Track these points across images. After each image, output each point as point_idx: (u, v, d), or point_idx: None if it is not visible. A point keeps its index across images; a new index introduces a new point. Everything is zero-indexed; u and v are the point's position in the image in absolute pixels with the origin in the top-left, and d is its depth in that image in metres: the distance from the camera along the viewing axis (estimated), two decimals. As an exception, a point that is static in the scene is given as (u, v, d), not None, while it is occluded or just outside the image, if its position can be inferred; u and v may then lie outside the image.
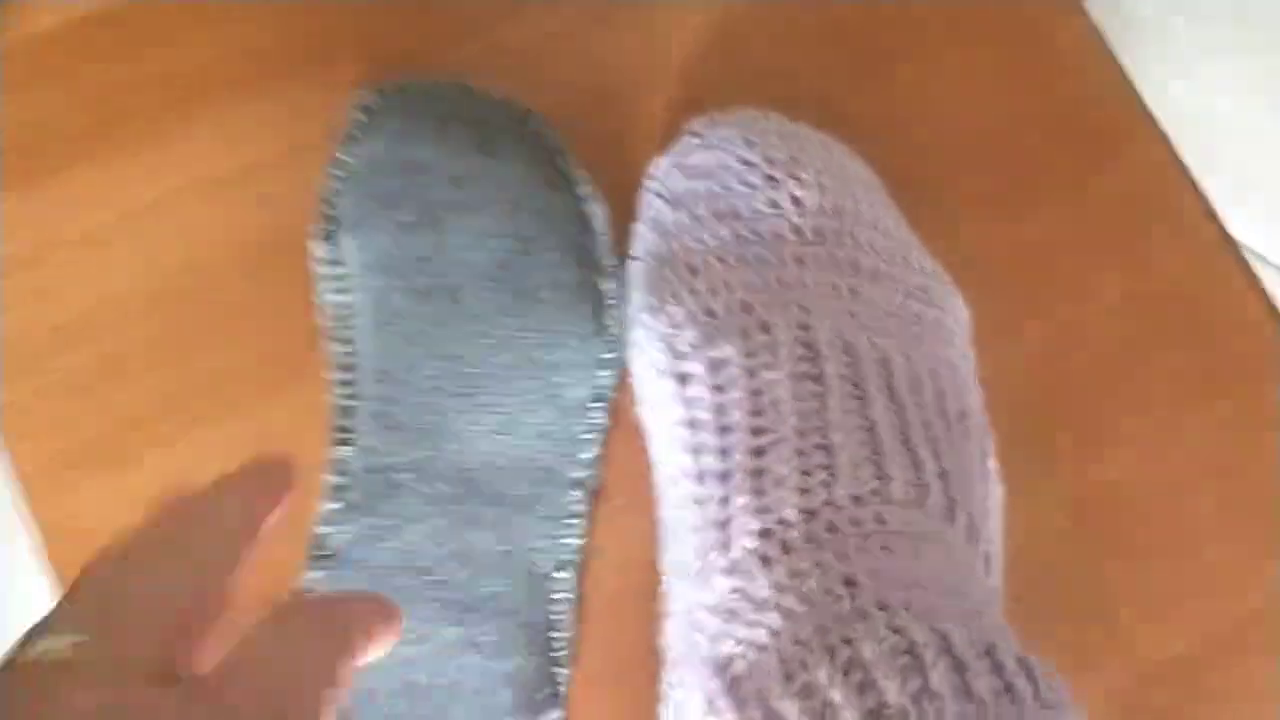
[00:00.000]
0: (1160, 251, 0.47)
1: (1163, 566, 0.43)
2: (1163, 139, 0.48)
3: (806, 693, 0.30)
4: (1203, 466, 0.44)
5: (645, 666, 0.40)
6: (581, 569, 0.42)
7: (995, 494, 0.39)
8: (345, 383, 0.42)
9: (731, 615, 0.34)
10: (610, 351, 0.43)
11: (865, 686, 0.29)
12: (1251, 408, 0.45)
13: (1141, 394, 0.45)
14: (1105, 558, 0.43)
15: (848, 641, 0.30)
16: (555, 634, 0.41)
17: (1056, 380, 0.45)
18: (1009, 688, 0.29)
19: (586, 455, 0.42)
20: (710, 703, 0.33)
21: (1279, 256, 1.04)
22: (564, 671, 0.41)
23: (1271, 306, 0.47)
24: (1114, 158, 0.48)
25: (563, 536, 0.42)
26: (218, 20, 0.46)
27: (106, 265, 0.44)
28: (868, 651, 0.30)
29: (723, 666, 0.33)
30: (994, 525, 0.39)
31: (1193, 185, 0.48)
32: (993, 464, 0.40)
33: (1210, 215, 0.47)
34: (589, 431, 0.43)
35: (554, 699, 0.40)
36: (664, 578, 0.39)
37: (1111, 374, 0.45)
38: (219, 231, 0.44)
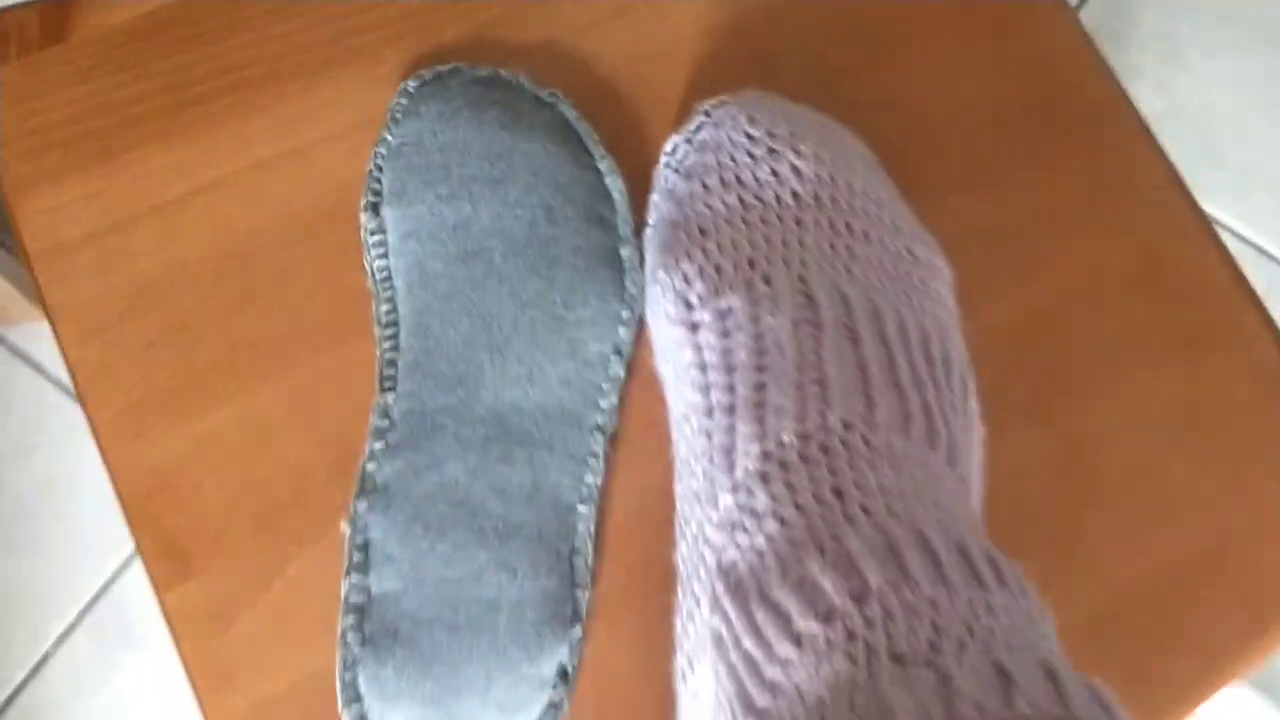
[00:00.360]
0: (1131, 221, 0.51)
1: (1132, 504, 0.47)
2: (1135, 117, 0.52)
3: (799, 583, 0.34)
4: (1169, 413, 0.49)
5: (659, 587, 0.44)
6: (601, 503, 0.47)
7: (976, 432, 0.44)
8: (389, 337, 0.46)
9: (735, 527, 0.38)
10: (628, 310, 0.47)
11: (850, 574, 0.33)
12: (1217, 364, 0.49)
13: (1115, 351, 0.49)
14: (1079, 496, 0.48)
15: (836, 539, 0.35)
16: (577, 559, 0.45)
17: (1036, 340, 0.49)
18: (977, 575, 0.33)
19: (606, 403, 0.47)
20: (715, 603, 0.38)
21: (1276, 244, 1.08)
22: (585, 593, 0.45)
23: (1237, 272, 0.51)
24: (1089, 136, 0.52)
25: (584, 474, 0.46)
26: (273, 18, 0.51)
27: (176, 234, 0.49)
28: (853, 546, 0.34)
29: (726, 572, 0.38)
30: (974, 460, 0.43)
31: (1163, 158, 0.52)
32: (974, 405, 0.44)
33: (1179, 185, 0.52)
34: (608, 381, 0.47)
35: (576, 615, 0.45)
36: (678, 506, 0.44)
37: (1088, 334, 0.50)
38: (278, 204, 0.49)
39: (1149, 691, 0.46)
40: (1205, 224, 0.51)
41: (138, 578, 1.02)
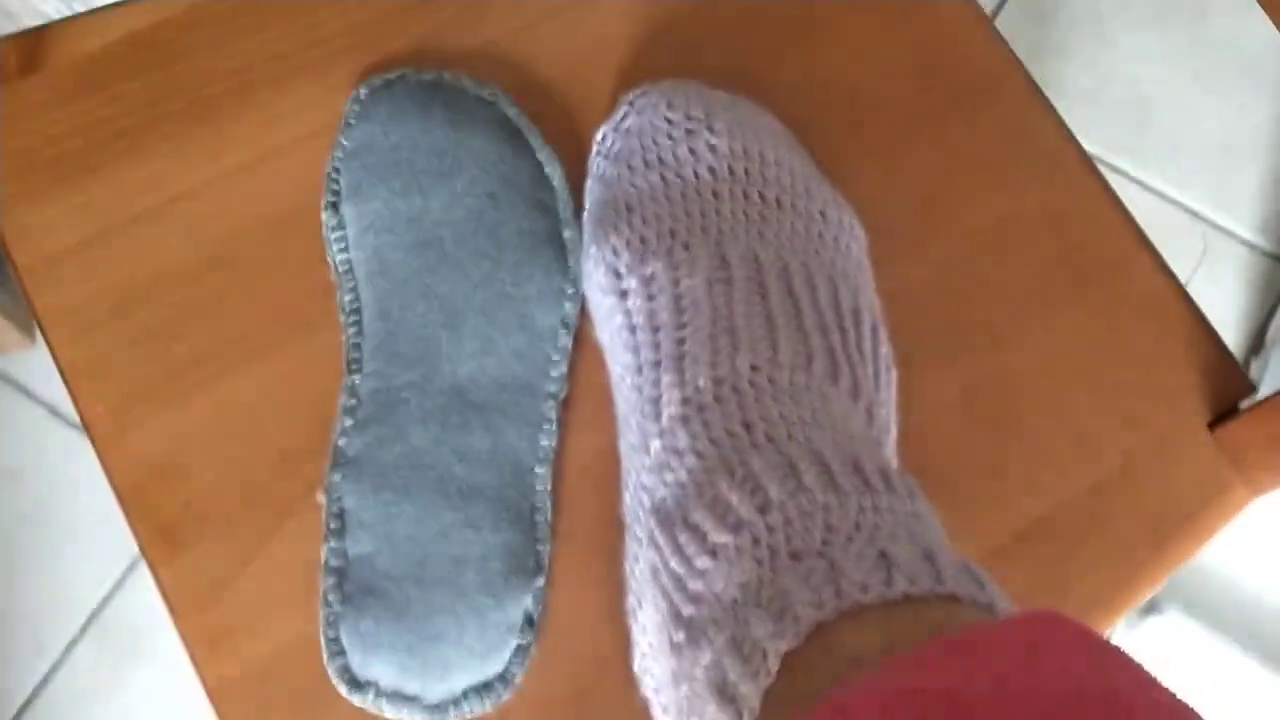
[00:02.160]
0: (1030, 177, 0.56)
1: (1040, 437, 0.52)
2: (1029, 84, 0.57)
3: (713, 502, 0.39)
4: (1072, 352, 0.53)
5: (613, 536, 0.48)
6: (557, 463, 0.51)
7: (888, 374, 0.48)
8: (353, 323, 0.51)
9: (663, 468, 0.42)
10: (571, 286, 0.52)
11: (755, 490, 0.38)
12: (1115, 301, 0.54)
13: (1021, 296, 0.54)
14: (992, 431, 0.52)
15: (744, 464, 0.39)
16: (538, 516, 0.50)
17: (946, 291, 0.54)
18: (867, 483, 0.38)
19: (556, 371, 0.51)
20: (650, 538, 0.42)
21: (1208, 207, 1.13)
22: (545, 546, 0.49)
23: (1127, 217, 0.56)
24: (988, 103, 0.57)
25: (540, 438, 0.50)
26: (233, 36, 0.56)
27: (154, 241, 0.53)
28: (757, 466, 0.39)
29: (658, 508, 0.42)
30: (886, 397, 0.47)
31: (1055, 118, 0.56)
32: (885, 350, 0.48)
33: (1070, 140, 0.56)
34: (557, 352, 0.51)
35: (538, 567, 0.49)
36: (622, 460, 0.48)
37: (995, 282, 0.54)
38: (247, 208, 0.54)
39: (1065, 605, 0.50)
40: (1098, 177, 0.56)
41: (139, 588, 1.05)
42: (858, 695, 0.28)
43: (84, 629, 1.05)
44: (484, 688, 0.47)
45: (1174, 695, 0.28)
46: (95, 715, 1.04)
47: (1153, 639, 0.89)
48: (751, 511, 0.37)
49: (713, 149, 0.49)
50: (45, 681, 1.05)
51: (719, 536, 0.38)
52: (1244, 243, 1.13)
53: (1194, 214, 1.12)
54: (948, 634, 0.29)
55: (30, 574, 1.06)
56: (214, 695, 0.48)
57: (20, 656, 1.05)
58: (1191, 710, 0.27)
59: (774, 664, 0.33)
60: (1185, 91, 1.18)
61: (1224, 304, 1.10)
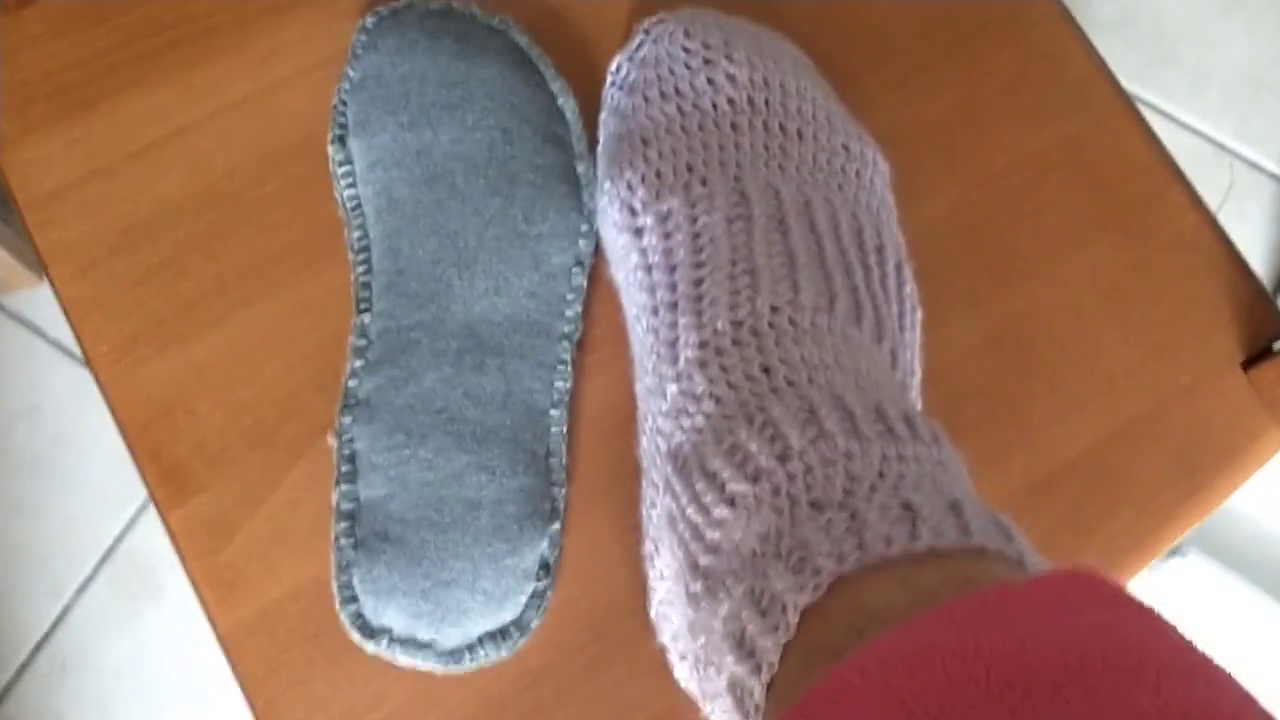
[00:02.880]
0: (1059, 109, 0.54)
1: (1067, 376, 0.51)
2: (1059, 10, 0.55)
3: (732, 450, 0.38)
4: (1101, 289, 0.52)
5: (629, 481, 0.47)
6: (572, 405, 0.50)
7: (913, 314, 0.47)
8: (362, 261, 0.49)
9: (680, 412, 0.41)
10: (586, 223, 0.50)
11: (775, 437, 0.37)
12: (1145, 236, 0.52)
13: (1048, 233, 0.52)
14: (1018, 372, 0.51)
15: (763, 409, 0.38)
16: (553, 459, 0.49)
17: (972, 228, 0.52)
18: (891, 430, 0.36)
19: (571, 311, 0.50)
20: (667, 484, 0.41)
21: (1235, 140, 1.10)
22: (561, 490, 0.48)
23: (1160, 149, 0.54)
24: (1016, 31, 0.54)
25: (555, 380, 0.49)
26: (236, -36, 0.54)
27: (157, 175, 0.51)
28: (777, 412, 0.37)
29: (674, 454, 0.41)
30: (910, 338, 0.46)
31: (1087, 47, 0.54)
32: (909, 289, 0.47)
33: (1103, 72, 0.54)
34: (571, 291, 0.50)
35: (554, 511, 0.48)
36: (638, 404, 0.47)
37: (1021, 218, 0.52)
38: (251, 142, 0.52)
39: (1092, 552, 0.49)
40: (1130, 108, 0.54)
41: (152, 527, 1.05)
42: (881, 652, 0.27)
43: (98, 567, 1.05)
44: (499, 634, 0.47)
45: (1210, 660, 0.27)
46: (111, 651, 1.05)
47: (1174, 581, 0.88)
48: (771, 460, 0.36)
49: (731, 79, 0.47)
50: (61, 619, 1.05)
51: (737, 485, 0.37)
52: (1272, 176, 1.10)
53: (1221, 147, 1.09)
54: (975, 590, 0.28)
55: (45, 512, 1.06)
56: (225, 640, 0.48)
57: (35, 594, 1.05)
58: (1230, 677, 0.26)
59: (793, 618, 0.32)
60: (1213, 22, 1.15)
61: (1251, 239, 1.08)
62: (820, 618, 0.32)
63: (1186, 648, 0.27)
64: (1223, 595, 0.91)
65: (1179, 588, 0.90)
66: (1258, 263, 1.08)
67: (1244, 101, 1.12)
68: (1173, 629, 0.28)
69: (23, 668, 1.04)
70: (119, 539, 1.05)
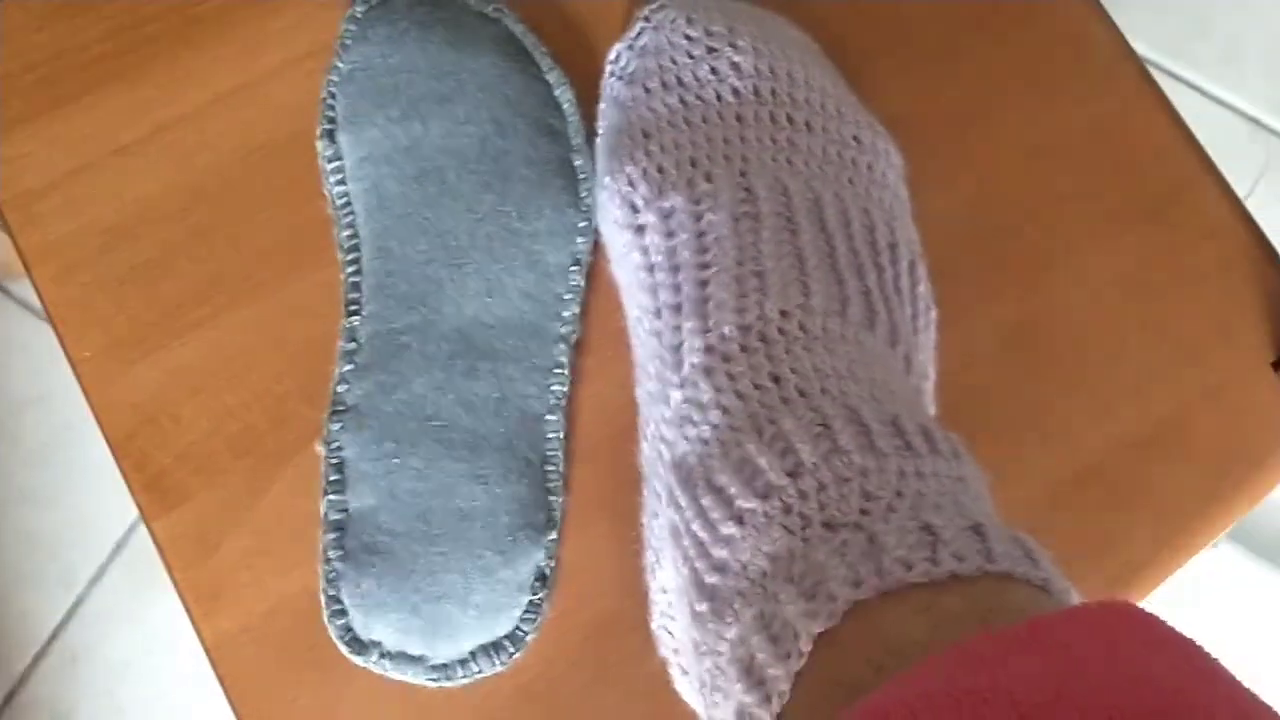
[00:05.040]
0: (1082, 94, 0.51)
1: (1089, 377, 0.48)
2: (1083, -9, 0.52)
3: (740, 464, 0.36)
4: (1124, 286, 0.49)
5: (629, 489, 0.45)
6: (570, 410, 0.48)
7: (928, 315, 0.44)
8: (351, 261, 0.47)
9: (684, 421, 0.39)
10: (584, 220, 0.48)
11: (786, 452, 0.35)
12: (1172, 229, 0.50)
13: (1069, 225, 0.50)
14: (1037, 372, 0.48)
15: (773, 421, 0.36)
16: (549, 467, 0.47)
17: (990, 220, 0.50)
18: (908, 444, 0.34)
19: (568, 312, 0.48)
20: (670, 495, 0.39)
21: (1271, 115, 1.07)
22: (558, 499, 0.47)
23: (1191, 139, 0.51)
24: (1036, 15, 0.52)
25: (551, 384, 0.47)
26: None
27: (140, 172, 0.50)
28: (788, 425, 0.35)
29: (678, 464, 0.39)
30: (923, 340, 0.44)
31: (1112, 28, 0.52)
32: (925, 288, 0.44)
33: (1128, 55, 0.51)
34: (569, 292, 0.48)
35: (550, 521, 0.46)
36: (639, 408, 0.45)
37: (1041, 209, 0.50)
38: (236, 136, 0.50)
39: (1113, 559, 0.47)
40: (1157, 91, 0.51)
41: (162, 517, 1.05)
42: (906, 695, 0.25)
43: (111, 556, 1.04)
44: (493, 647, 0.45)
45: (1251, 694, 0.25)
46: (124, 640, 1.04)
47: (1206, 573, 0.85)
48: (782, 476, 0.34)
49: (736, 68, 0.45)
50: (74, 609, 1.04)
51: (746, 502, 0.35)
52: (1309, 154, 1.07)
53: (1256, 123, 1.06)
54: (1004, 625, 0.26)
55: (56, 501, 1.05)
56: (212, 652, 0.46)
57: (49, 584, 1.04)
58: (1270, 710, 0.24)
59: (806, 645, 0.31)
60: (1246, -7, 1.12)
61: (1286, 220, 1.04)
62: (834, 646, 0.30)
63: (1234, 694, 0.25)
64: (1256, 588, 0.89)
65: (1211, 579, 0.87)
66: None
67: (1280, 73, 1.09)
68: (1219, 670, 0.26)
69: (37, 658, 1.03)
70: (131, 528, 1.04)
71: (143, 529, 1.04)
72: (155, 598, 1.04)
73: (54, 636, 1.04)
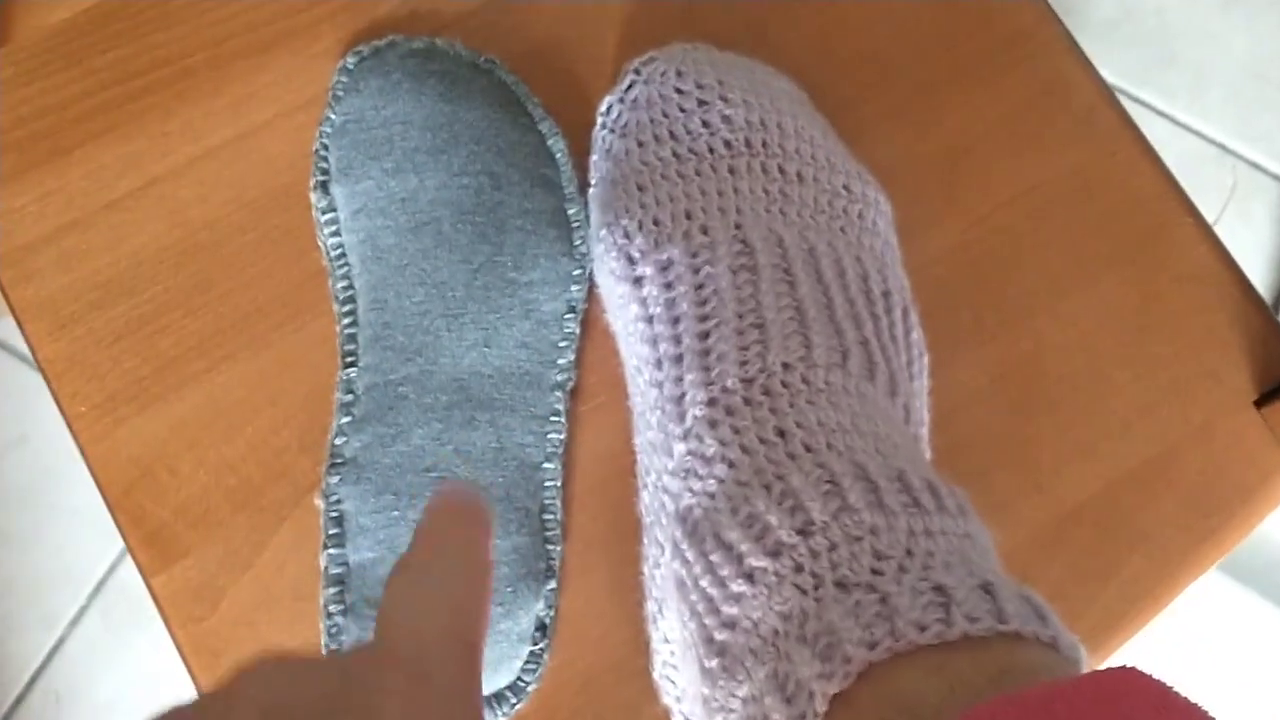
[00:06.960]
0: (1064, 139, 0.52)
1: (1077, 419, 0.49)
2: (1063, 36, 0.53)
3: (749, 521, 0.36)
4: (1110, 326, 0.50)
5: (628, 536, 0.46)
6: (567, 458, 0.48)
7: (920, 361, 0.45)
8: (347, 313, 0.48)
9: (688, 474, 0.40)
10: (579, 268, 0.49)
11: (795, 509, 0.35)
12: (1154, 272, 0.51)
13: (1055, 268, 0.51)
14: (1027, 412, 0.49)
15: (780, 477, 0.36)
16: (547, 516, 0.47)
17: (976, 264, 0.51)
18: (916, 501, 0.35)
19: (564, 360, 0.48)
20: (675, 548, 0.39)
21: (1238, 140, 1.08)
22: (557, 548, 0.47)
23: (1171, 181, 0.52)
24: (1017, 58, 0.53)
25: (548, 432, 0.48)
26: (209, 3, 0.52)
27: (134, 227, 0.50)
28: (796, 482, 0.36)
29: (684, 517, 0.39)
30: (918, 387, 0.44)
31: (1092, 74, 0.53)
32: (917, 335, 0.45)
33: (1109, 100, 0.52)
34: (564, 340, 0.48)
35: (549, 570, 0.47)
36: (638, 457, 0.45)
37: (1027, 252, 0.51)
38: (230, 189, 0.50)
39: (1106, 595, 0.48)
40: (1138, 136, 0.52)
41: (143, 556, 1.04)
42: None
43: (91, 598, 1.04)
44: (495, 699, 0.45)
45: None
46: (104, 681, 1.03)
47: (1196, 603, 0.86)
48: (792, 534, 0.35)
49: (727, 120, 0.45)
50: (55, 650, 1.03)
51: (757, 560, 0.35)
52: (1275, 178, 1.08)
53: (1223, 148, 1.07)
54: (1016, 691, 0.27)
55: (36, 543, 1.05)
56: (213, 708, 0.46)
57: (29, 626, 1.04)
58: None
59: (821, 706, 0.31)
60: (1212, 19, 1.13)
61: (1255, 243, 1.06)
62: (849, 706, 0.31)
63: None
64: (1245, 617, 0.89)
65: (1201, 609, 0.88)
66: (1263, 267, 1.06)
67: (1246, 100, 1.10)
68: None
69: (18, 700, 1.02)
70: (111, 569, 1.04)
71: (122, 570, 1.03)
72: (135, 638, 1.03)
73: (35, 678, 1.03)
